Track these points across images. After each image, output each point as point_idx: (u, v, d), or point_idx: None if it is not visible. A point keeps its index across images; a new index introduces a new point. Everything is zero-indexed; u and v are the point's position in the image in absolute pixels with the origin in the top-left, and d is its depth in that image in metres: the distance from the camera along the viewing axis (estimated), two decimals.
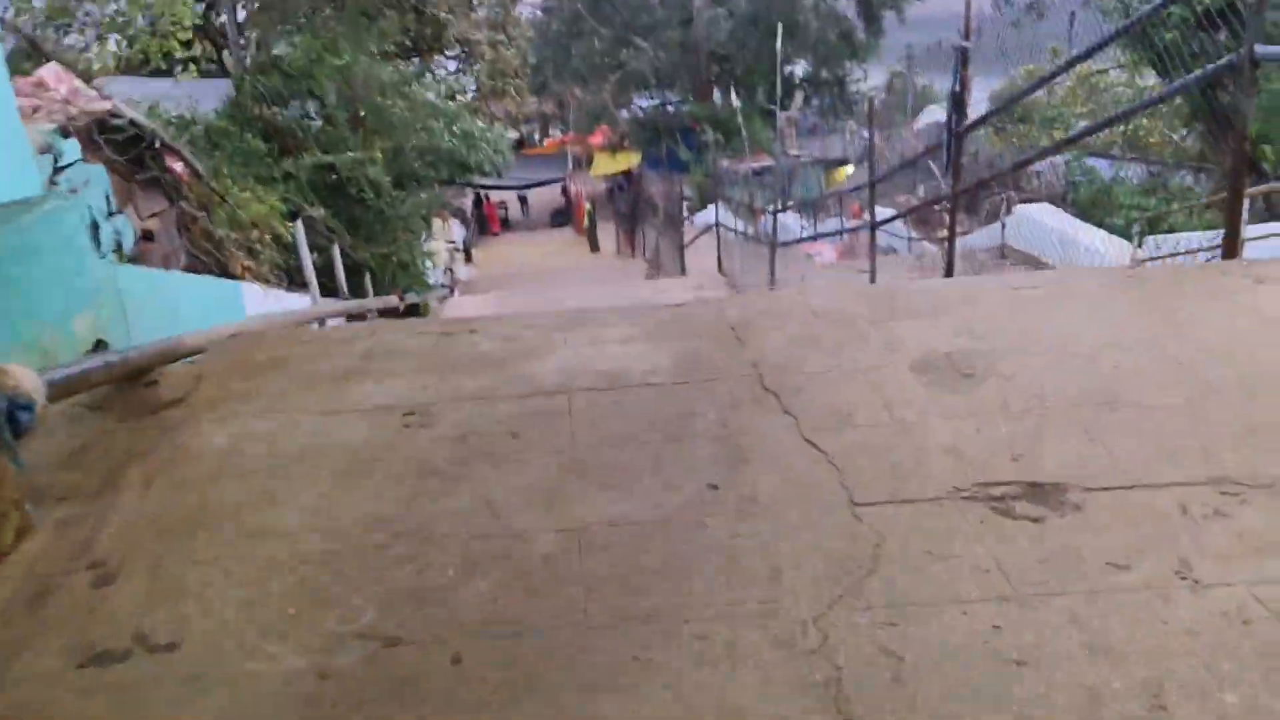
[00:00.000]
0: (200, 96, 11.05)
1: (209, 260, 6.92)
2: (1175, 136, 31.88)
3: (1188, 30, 16.87)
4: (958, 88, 7.93)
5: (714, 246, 17.87)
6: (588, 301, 13.51)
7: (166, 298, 4.97)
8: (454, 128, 16.83)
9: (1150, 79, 40.06)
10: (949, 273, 8.97)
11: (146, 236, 6.66)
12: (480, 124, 17.77)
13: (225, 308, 5.98)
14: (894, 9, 43.84)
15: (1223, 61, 4.24)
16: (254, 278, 6.82)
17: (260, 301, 6.52)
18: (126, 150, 6.37)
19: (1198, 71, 4.77)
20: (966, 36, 7.97)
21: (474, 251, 31.36)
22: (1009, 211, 16.38)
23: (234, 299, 6.12)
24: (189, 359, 4.02)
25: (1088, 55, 6.72)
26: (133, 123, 5.99)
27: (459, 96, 19.91)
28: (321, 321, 6.75)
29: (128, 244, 5.44)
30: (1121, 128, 38.06)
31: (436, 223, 30.96)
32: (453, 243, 27.11)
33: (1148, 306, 3.73)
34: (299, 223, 6.95)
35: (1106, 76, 41.03)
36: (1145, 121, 36.02)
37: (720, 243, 15.79)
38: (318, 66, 10.81)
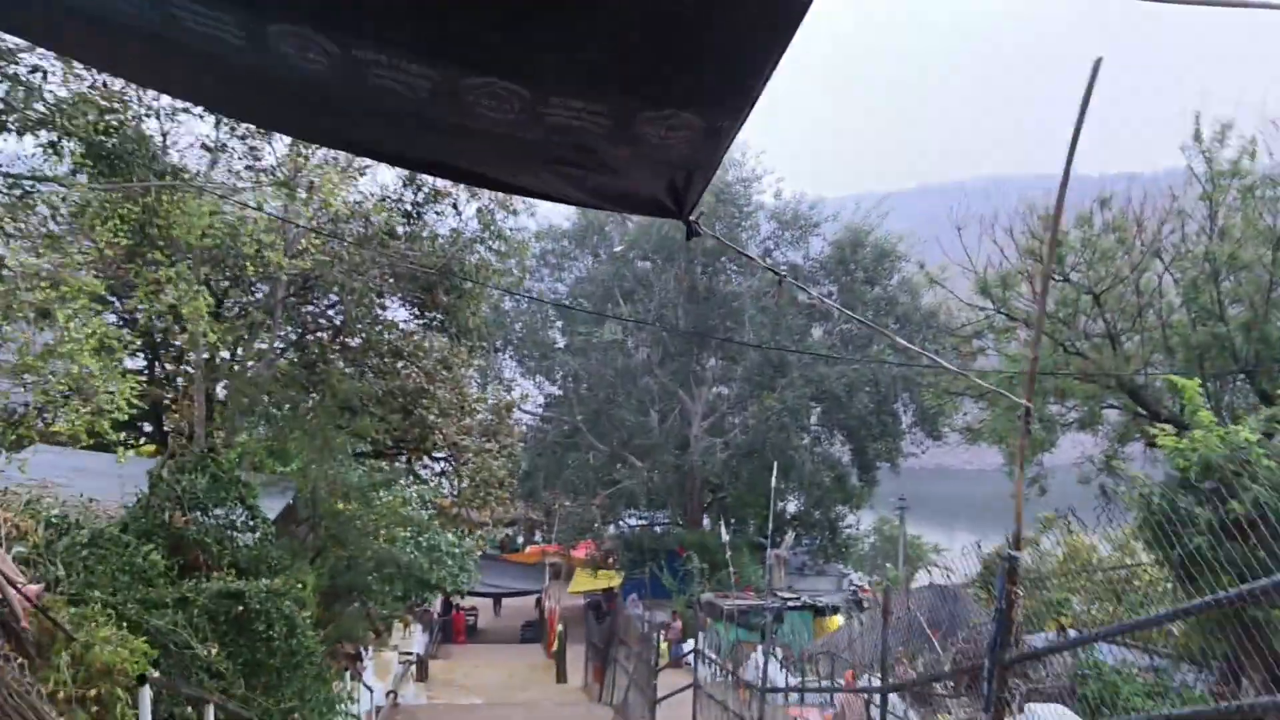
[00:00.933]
0: (138, 481, 9.75)
1: None
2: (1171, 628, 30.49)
3: (1216, 537, 15.94)
4: (1003, 604, 6.53)
5: (691, 700, 15.78)
6: None
7: None
8: (420, 539, 15.46)
9: (1142, 556, 39.40)
10: None
11: None
12: (451, 537, 16.43)
13: None
14: (888, 461, 44.28)
15: None
16: None
17: None
18: None
19: None
20: (1017, 545, 6.68)
21: (432, 664, 28.88)
22: (1020, 709, 14.44)
23: None
24: None
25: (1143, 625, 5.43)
26: None
27: (436, 500, 18.78)
28: None
29: None
30: (1114, 608, 36.81)
31: (396, 627, 28.83)
32: (408, 655, 24.81)
33: None
34: (144, 691, 5.28)
35: (1097, 552, 40.63)
36: (1141, 610, 34.86)
37: (697, 704, 13.75)
38: (255, 470, 9.61)
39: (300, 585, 8.09)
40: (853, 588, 45.99)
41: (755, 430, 41.19)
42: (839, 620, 32.79)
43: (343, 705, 8.34)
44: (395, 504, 14.26)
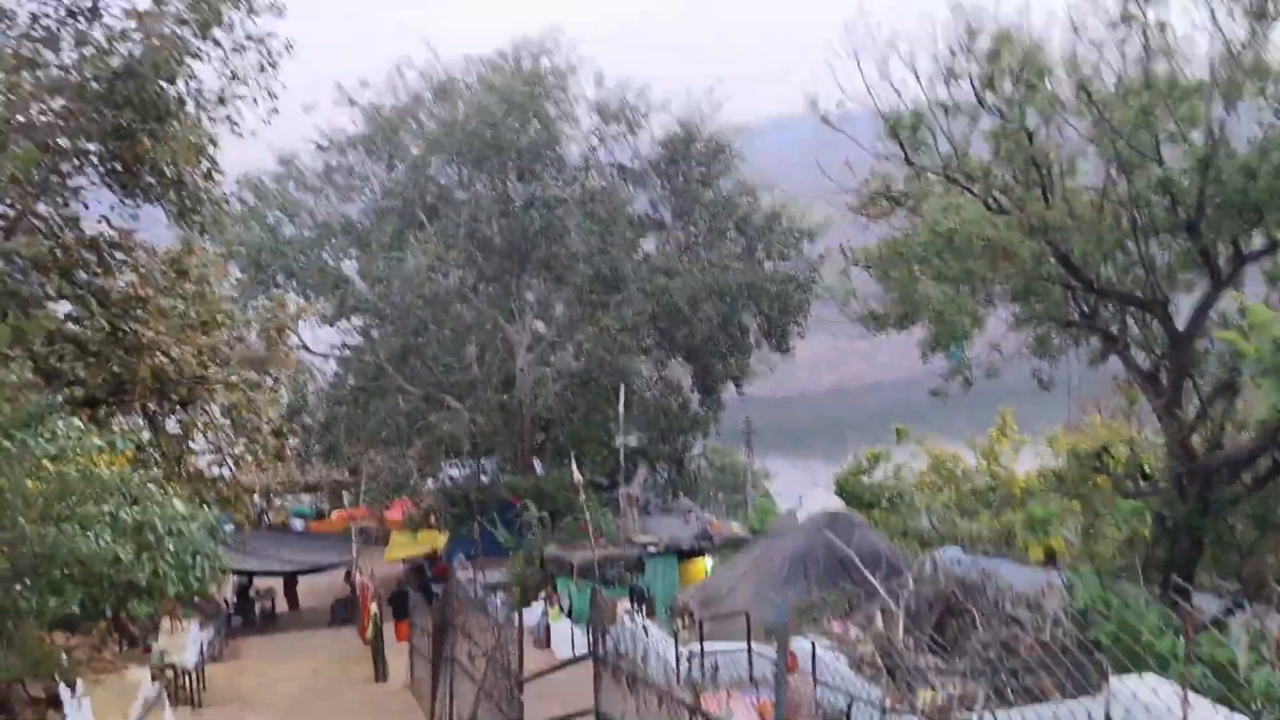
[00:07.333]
0: None
1: None
2: (1071, 537, 27.58)
3: None
4: None
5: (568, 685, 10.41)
6: None
7: None
8: (123, 512, 9.50)
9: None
10: None
11: None
12: (179, 505, 10.47)
13: None
14: (735, 379, 40.06)
15: None
16: None
17: None
18: None
19: None
20: None
21: (214, 670, 22.49)
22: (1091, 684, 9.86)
23: None
24: None
25: None
26: None
27: (143, 444, 12.69)
28: None
29: None
30: (992, 523, 34.02)
31: (163, 632, 22.36)
32: (171, 666, 18.57)
33: None
34: None
35: (963, 461, 37.93)
36: (1014, 514, 32.01)
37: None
38: None
39: None
40: (699, 523, 42.02)
41: (590, 355, 36.08)
42: (706, 563, 28.32)
43: None
44: (43, 454, 8.26)
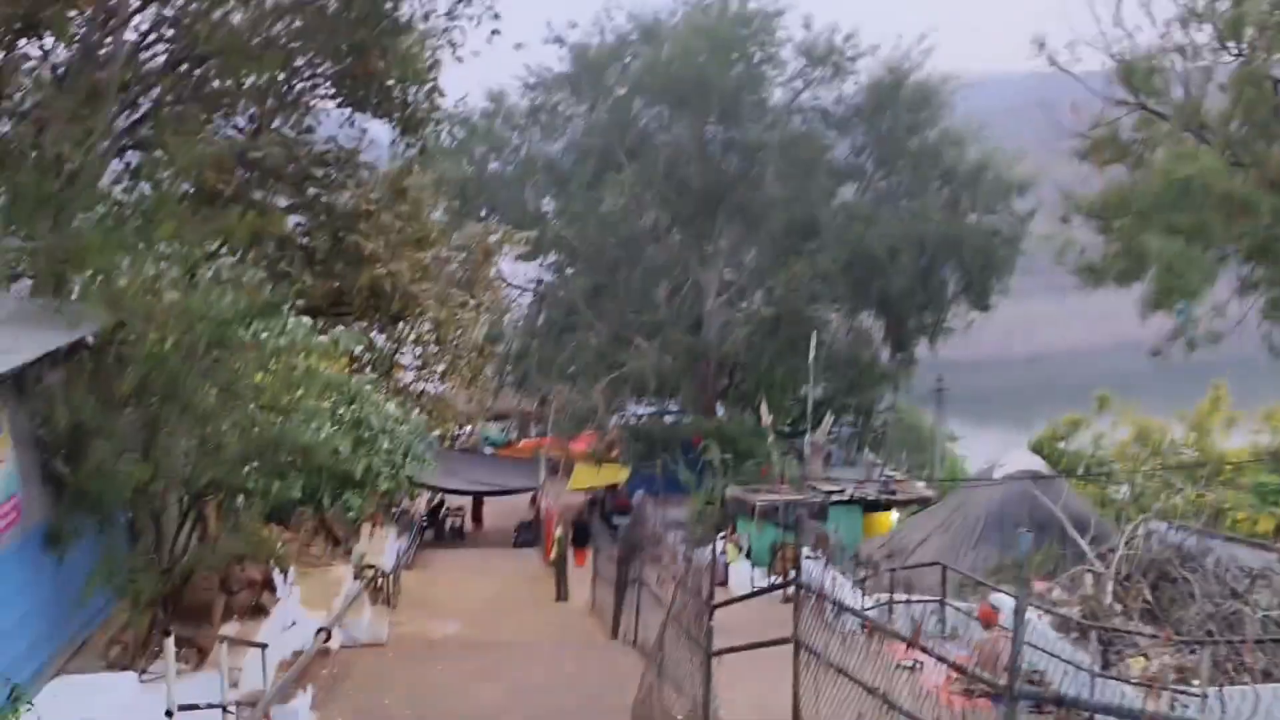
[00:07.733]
0: None
1: None
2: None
3: None
4: None
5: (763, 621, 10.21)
6: None
7: None
8: (340, 411, 9.98)
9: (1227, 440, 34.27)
10: None
11: None
12: (392, 407, 10.94)
13: None
14: (929, 336, 38.80)
15: None
16: None
17: None
18: None
19: None
20: None
21: (405, 575, 23.73)
22: None
23: None
24: None
25: None
26: None
27: (365, 351, 13.28)
28: None
29: None
30: (1200, 499, 31.85)
31: (364, 537, 23.48)
32: (370, 569, 19.55)
33: None
34: None
35: (1170, 433, 35.55)
36: (1230, 494, 29.86)
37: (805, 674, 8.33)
38: None
39: None
40: (884, 478, 41.09)
41: (781, 302, 35.64)
42: (891, 517, 27.73)
43: None
44: (271, 346, 8.71)
